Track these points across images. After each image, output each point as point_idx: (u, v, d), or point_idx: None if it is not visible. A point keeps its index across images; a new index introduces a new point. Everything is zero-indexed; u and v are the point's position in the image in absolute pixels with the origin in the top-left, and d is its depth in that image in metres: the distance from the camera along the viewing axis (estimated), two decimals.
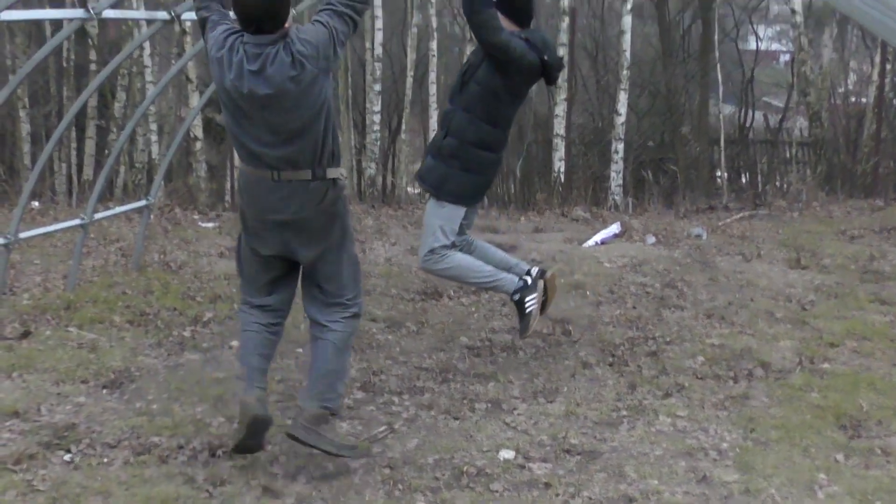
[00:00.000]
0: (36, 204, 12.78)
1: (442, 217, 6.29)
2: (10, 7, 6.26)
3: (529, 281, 6.43)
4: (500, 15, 6.14)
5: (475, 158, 6.22)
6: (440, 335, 7.20)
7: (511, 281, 6.43)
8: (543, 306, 6.51)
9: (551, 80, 6.44)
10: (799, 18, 15.86)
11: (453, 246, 6.35)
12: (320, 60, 4.61)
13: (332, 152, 4.82)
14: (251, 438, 4.78)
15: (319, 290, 5.09)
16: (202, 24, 4.87)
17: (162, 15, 7.88)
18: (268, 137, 4.67)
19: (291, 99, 4.58)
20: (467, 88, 6.23)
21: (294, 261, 5.03)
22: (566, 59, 14.47)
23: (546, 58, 6.19)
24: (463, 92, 6.26)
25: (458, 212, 6.33)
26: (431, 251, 6.31)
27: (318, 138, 4.71)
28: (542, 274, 6.50)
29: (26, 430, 5.18)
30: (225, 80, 4.61)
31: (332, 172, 4.79)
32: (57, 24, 15.94)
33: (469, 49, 15.69)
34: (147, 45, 15.16)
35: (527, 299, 6.39)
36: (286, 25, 4.58)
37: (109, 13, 7.57)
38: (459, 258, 6.35)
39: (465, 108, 6.22)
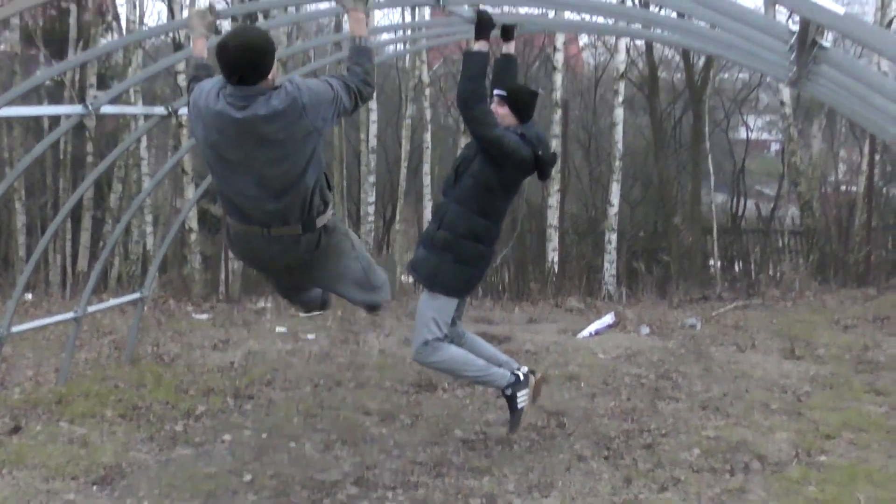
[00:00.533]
0: (29, 296, 12.77)
1: (434, 309, 6.31)
2: (9, 103, 6.34)
3: (521, 377, 6.43)
4: (504, 107, 6.26)
5: (468, 251, 6.27)
6: (434, 428, 7.15)
7: (503, 375, 6.43)
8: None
9: (544, 175, 6.51)
10: (788, 110, 16.09)
11: (446, 338, 6.36)
12: (318, 119, 4.64)
13: (321, 203, 4.87)
14: None
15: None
16: (189, 91, 4.95)
17: (159, 110, 7.99)
18: (254, 191, 4.67)
19: (279, 149, 4.59)
20: (461, 181, 6.30)
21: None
22: (559, 150, 14.63)
23: (540, 153, 6.28)
24: (457, 185, 6.32)
25: (451, 303, 6.36)
26: (425, 343, 6.32)
27: (307, 195, 4.74)
28: (531, 372, 6.54)
29: None
30: (209, 134, 4.64)
31: (321, 220, 4.84)
32: (55, 118, 16.12)
33: (463, 141, 15.87)
34: (144, 137, 15.30)
35: (518, 394, 6.39)
36: (269, 77, 4.62)
37: (108, 108, 7.67)
38: (453, 351, 6.35)
39: (458, 200, 6.28)
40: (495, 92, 6.45)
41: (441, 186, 6.69)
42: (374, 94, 16.05)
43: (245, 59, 4.54)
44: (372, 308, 5.73)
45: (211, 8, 5.37)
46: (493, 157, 6.16)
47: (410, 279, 17.34)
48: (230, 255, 14.19)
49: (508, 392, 6.40)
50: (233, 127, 4.57)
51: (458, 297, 6.41)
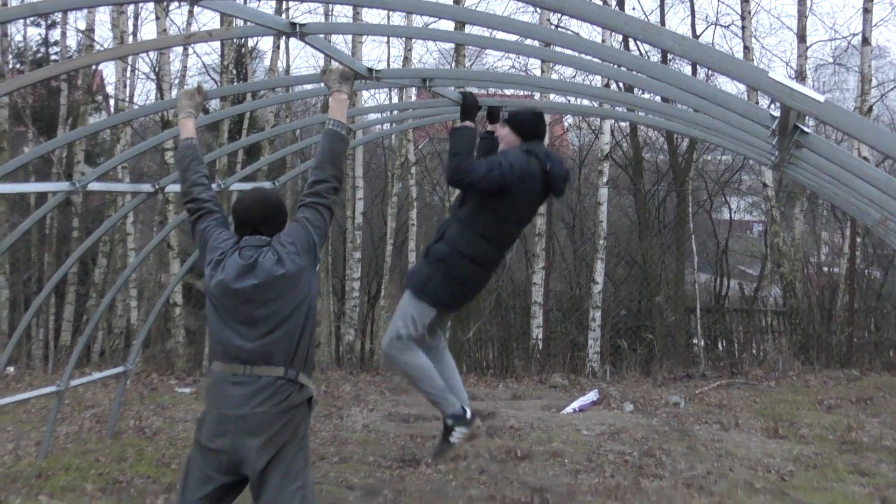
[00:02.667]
0: (11, 369, 12.70)
1: (415, 308, 6.22)
2: None
3: (468, 415, 6.36)
4: (505, 127, 6.25)
5: (461, 269, 6.13)
6: None
7: (454, 405, 6.33)
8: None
9: (559, 192, 6.30)
10: (770, 192, 16.30)
11: (422, 340, 6.30)
12: (301, 255, 4.73)
13: (306, 359, 4.83)
14: None
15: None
16: (198, 212, 4.98)
17: (146, 187, 8.04)
18: (246, 331, 4.73)
19: (275, 289, 4.68)
20: (465, 204, 6.23)
21: (238, 479, 4.83)
22: (544, 228, 14.74)
23: (549, 168, 6.12)
24: (461, 208, 6.24)
25: (432, 312, 6.30)
26: (398, 337, 6.21)
27: (295, 333, 4.74)
28: (478, 418, 6.46)
29: None
30: (215, 278, 4.72)
31: (302, 378, 4.78)
32: (41, 193, 16.16)
33: None
34: (130, 213, 15.36)
35: (457, 429, 6.30)
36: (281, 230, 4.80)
37: (95, 185, 7.72)
38: (423, 361, 6.26)
39: (462, 220, 6.11)
40: None
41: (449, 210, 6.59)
42: (362, 173, 16.26)
43: (262, 216, 4.80)
44: None
45: (199, 88, 5.45)
46: (499, 189, 6.08)
47: None
48: None
49: (450, 422, 6.31)
50: (240, 274, 4.73)
51: (439, 310, 6.33)
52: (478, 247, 6.14)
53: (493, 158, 6.02)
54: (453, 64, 17.56)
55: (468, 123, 6.24)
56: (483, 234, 6.13)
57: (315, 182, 4.93)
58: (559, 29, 16.41)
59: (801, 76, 16.28)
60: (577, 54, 5.48)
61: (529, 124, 6.29)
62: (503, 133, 6.28)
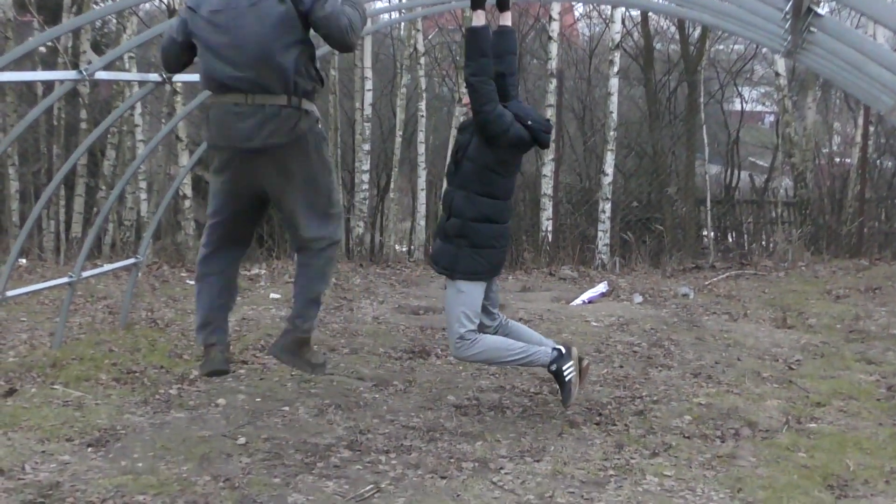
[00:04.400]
0: (23, 261, 12.78)
1: (460, 303, 6.32)
2: (2, 68, 6.32)
3: (563, 350, 6.44)
4: None
5: (481, 233, 6.28)
6: (428, 394, 7.19)
7: (545, 353, 6.43)
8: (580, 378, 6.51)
9: (543, 143, 6.48)
10: (783, 81, 16.08)
11: (482, 327, 6.42)
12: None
13: (306, 90, 5.07)
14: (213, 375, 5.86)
15: (295, 227, 5.45)
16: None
17: (154, 77, 7.94)
18: (233, 55, 4.92)
19: (242, 14, 4.89)
20: (461, 168, 6.32)
21: (264, 198, 5.30)
22: (554, 120, 14.61)
23: (529, 123, 6.28)
24: (458, 172, 6.33)
25: (477, 290, 6.36)
26: (460, 338, 6.32)
27: (288, 72, 4.95)
28: (570, 347, 6.54)
29: (10, 489, 5.14)
30: (196, 14, 5.01)
31: (306, 104, 5.03)
32: (48, 84, 16.04)
33: (457, 111, 15.84)
34: (138, 104, 15.25)
35: (564, 368, 6.39)
36: None
37: (102, 74, 7.64)
38: (490, 340, 6.38)
39: (461, 186, 6.30)
40: None
41: (445, 176, 6.66)
42: (370, 63, 16.06)
43: None
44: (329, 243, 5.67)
45: None
46: (488, 138, 6.19)
47: (404, 248, 17.40)
48: None
49: (553, 368, 6.39)
50: None
51: (483, 281, 6.40)
52: (486, 206, 6.27)
53: (508, 115, 6.21)
54: None
55: (480, 21, 6.25)
56: (486, 193, 6.26)
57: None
58: None
59: None
60: None
61: (506, 87, 6.48)
62: None
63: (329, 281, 6.03)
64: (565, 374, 6.38)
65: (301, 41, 5.12)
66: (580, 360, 6.50)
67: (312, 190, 5.35)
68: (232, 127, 5.01)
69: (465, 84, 6.34)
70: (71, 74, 7.25)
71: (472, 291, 6.34)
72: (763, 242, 16.95)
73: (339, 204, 5.72)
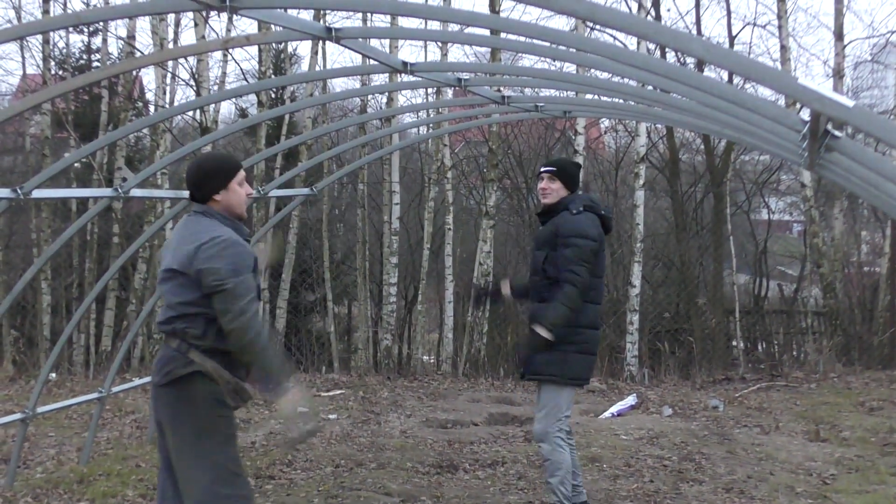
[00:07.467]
0: (53, 375, 12.85)
1: (564, 399, 6.38)
2: (39, 185, 6.47)
3: None
4: (556, 181, 6.47)
5: (586, 339, 6.35)
6: None
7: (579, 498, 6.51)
8: None
9: (609, 229, 6.63)
10: (809, 192, 16.15)
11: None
12: (196, 262, 4.58)
13: (201, 337, 4.64)
14: None
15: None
16: None
17: (186, 194, 8.07)
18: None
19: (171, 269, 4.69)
20: (551, 267, 6.36)
21: None
22: None
23: (603, 213, 6.51)
24: (555, 286, 6.31)
25: (573, 394, 6.47)
26: (558, 430, 6.34)
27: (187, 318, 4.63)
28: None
29: None
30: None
31: (193, 354, 4.59)
32: (82, 200, 16.34)
33: (485, 223, 15.97)
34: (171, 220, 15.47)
35: None
36: (216, 199, 4.83)
37: (137, 192, 7.80)
38: (567, 460, 6.38)
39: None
40: (543, 169, 6.60)
41: (534, 293, 6.58)
42: (398, 177, 16.28)
43: (189, 179, 4.92)
44: None
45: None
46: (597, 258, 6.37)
47: (432, 359, 17.36)
48: None
49: None
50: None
51: (582, 386, 6.59)
52: (590, 311, 6.35)
53: (572, 252, 6.21)
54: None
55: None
56: (591, 300, 6.33)
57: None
58: (595, 31, 16.33)
59: (839, 74, 16.14)
60: (610, 60, 5.46)
61: (577, 175, 6.70)
62: (554, 187, 6.52)
63: None
64: None
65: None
66: None
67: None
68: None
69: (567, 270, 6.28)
70: (107, 192, 7.41)
71: (571, 394, 6.43)
72: (793, 353, 16.82)
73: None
